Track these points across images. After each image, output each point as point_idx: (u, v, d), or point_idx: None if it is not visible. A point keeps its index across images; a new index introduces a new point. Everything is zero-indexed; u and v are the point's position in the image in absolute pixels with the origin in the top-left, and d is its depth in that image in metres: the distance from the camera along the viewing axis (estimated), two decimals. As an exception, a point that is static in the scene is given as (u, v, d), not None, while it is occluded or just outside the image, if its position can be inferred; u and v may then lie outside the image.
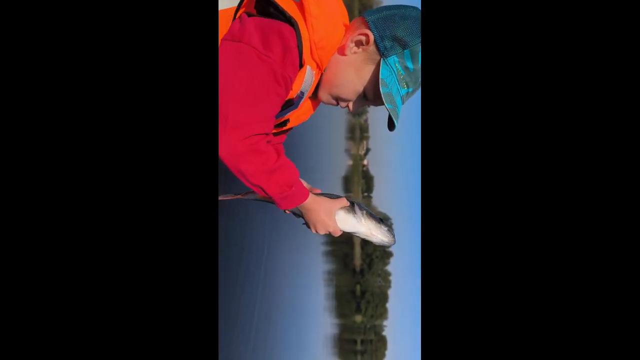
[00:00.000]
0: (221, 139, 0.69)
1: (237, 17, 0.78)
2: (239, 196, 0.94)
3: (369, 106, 0.87)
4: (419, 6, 0.73)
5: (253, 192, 0.80)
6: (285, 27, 0.72)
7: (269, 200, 0.82)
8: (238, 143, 0.69)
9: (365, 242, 0.90)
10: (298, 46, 0.73)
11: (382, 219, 0.86)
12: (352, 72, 0.81)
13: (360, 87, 0.82)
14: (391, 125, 0.83)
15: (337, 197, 0.88)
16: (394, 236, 0.86)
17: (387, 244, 0.86)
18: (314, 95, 0.86)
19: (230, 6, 0.81)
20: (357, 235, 0.86)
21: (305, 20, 0.74)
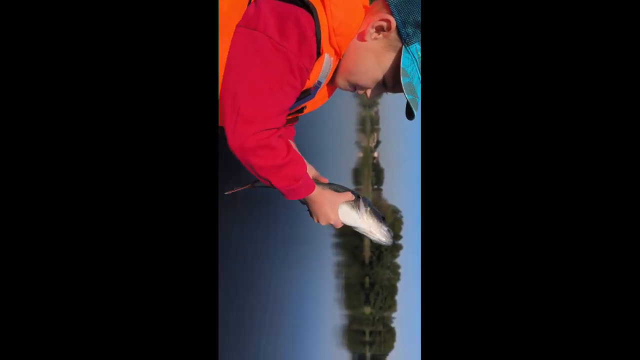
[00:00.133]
0: (232, 132, 0.69)
1: (252, 1, 0.75)
2: (247, 186, 0.95)
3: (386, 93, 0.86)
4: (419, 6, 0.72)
5: (259, 181, 0.81)
6: (303, 14, 0.70)
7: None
8: (249, 138, 0.69)
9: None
10: (316, 34, 0.71)
11: (384, 217, 0.88)
12: (371, 59, 0.78)
13: (379, 75, 0.79)
14: (410, 115, 0.81)
15: (345, 188, 0.90)
16: (392, 237, 0.88)
17: (384, 243, 0.88)
18: (331, 81, 0.84)
19: None
20: (357, 230, 0.88)
21: (323, 6, 0.72)
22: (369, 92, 0.84)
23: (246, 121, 0.69)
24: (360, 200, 0.87)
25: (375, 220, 0.87)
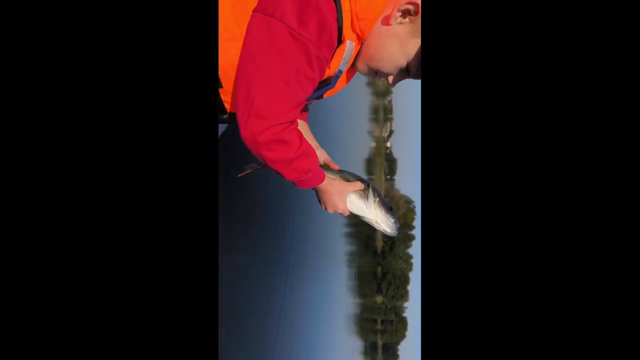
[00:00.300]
0: (244, 125, 0.67)
1: None
2: (259, 167, 0.95)
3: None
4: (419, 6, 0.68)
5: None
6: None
7: None
8: (262, 133, 0.67)
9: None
10: (337, 20, 0.66)
11: (391, 208, 0.88)
12: (395, 45, 0.73)
13: (403, 62, 0.74)
14: None
15: (355, 176, 0.89)
16: (398, 229, 0.88)
17: (389, 234, 0.88)
18: (351, 66, 0.80)
19: None
20: (363, 219, 0.88)
21: None
22: (390, 78, 0.79)
23: (259, 116, 0.65)
24: (370, 190, 0.88)
25: (383, 211, 0.87)
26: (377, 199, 0.87)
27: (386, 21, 0.71)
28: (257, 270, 3.42)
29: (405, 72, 0.77)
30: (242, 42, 0.67)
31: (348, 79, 0.84)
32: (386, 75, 0.79)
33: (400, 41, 0.72)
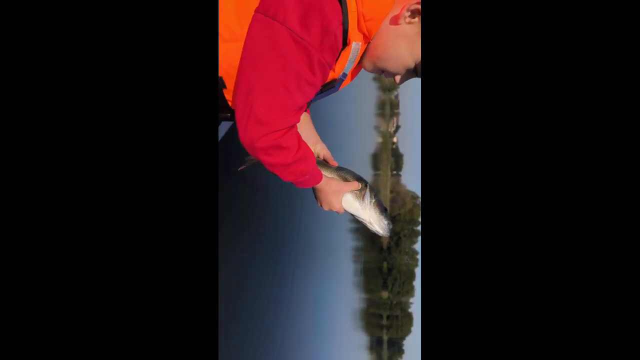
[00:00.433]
0: (243, 130, 0.66)
1: None
2: (258, 161, 0.96)
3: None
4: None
5: None
6: (329, 1, 0.63)
7: None
8: (260, 139, 0.66)
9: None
10: (343, 23, 0.64)
11: (386, 209, 0.89)
12: (403, 45, 0.70)
13: (411, 63, 0.73)
14: None
15: (353, 174, 0.89)
16: (390, 231, 0.89)
17: (381, 235, 0.89)
18: (357, 63, 0.78)
19: None
20: (358, 218, 0.89)
21: None
22: (398, 77, 0.78)
23: (258, 122, 0.64)
24: (367, 190, 0.88)
25: (377, 213, 0.88)
26: (373, 200, 0.87)
27: (395, 21, 0.69)
28: (264, 265, 3.43)
29: (412, 72, 0.76)
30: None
31: (353, 76, 0.82)
32: (393, 74, 0.77)
33: (408, 41, 0.70)
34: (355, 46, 0.69)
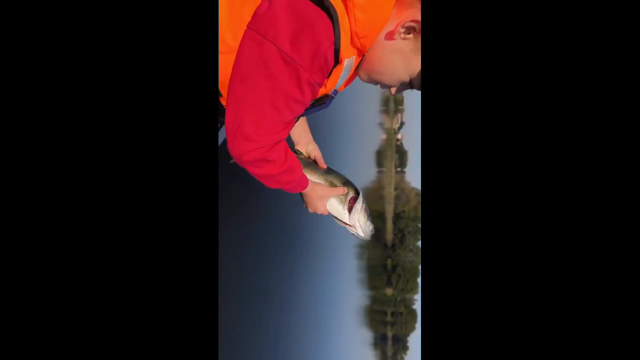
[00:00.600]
0: (232, 142, 0.68)
1: None
2: None
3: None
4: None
5: None
6: (320, 22, 0.62)
7: None
8: (247, 153, 0.68)
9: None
10: (335, 42, 0.64)
11: (371, 215, 0.92)
12: (398, 61, 0.70)
13: (405, 78, 0.72)
14: None
15: (341, 179, 0.92)
16: (369, 237, 0.92)
17: (361, 238, 0.92)
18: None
19: None
20: (339, 221, 0.93)
21: (346, 9, 0.64)
22: (393, 90, 0.78)
23: (246, 138, 0.66)
24: (359, 197, 0.91)
25: (365, 218, 0.90)
26: (361, 206, 0.90)
27: (390, 36, 0.68)
28: (268, 262, 3.45)
29: (407, 85, 0.76)
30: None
31: (347, 84, 0.82)
32: (388, 87, 0.77)
33: (403, 57, 0.70)
34: (348, 63, 0.70)
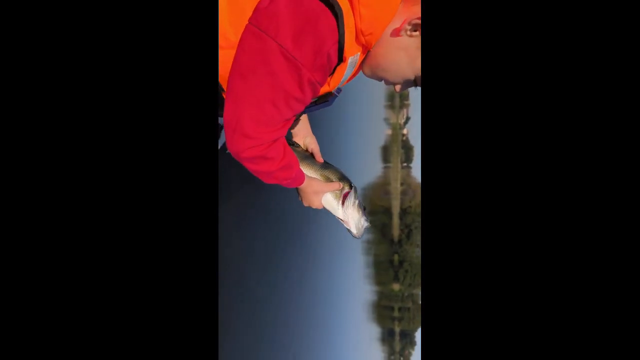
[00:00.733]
0: (230, 139, 0.67)
1: None
2: None
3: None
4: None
5: None
6: (324, 19, 0.60)
7: None
8: (245, 150, 0.67)
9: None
10: (339, 41, 0.62)
11: (365, 208, 0.92)
12: (403, 58, 0.69)
13: (410, 75, 0.71)
14: None
15: (338, 174, 0.91)
16: (364, 233, 0.93)
17: (353, 234, 0.93)
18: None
19: None
20: (335, 216, 0.93)
21: (352, 6, 0.62)
22: (397, 87, 0.76)
23: (245, 135, 0.65)
24: (351, 191, 0.91)
25: (358, 213, 0.90)
26: (355, 201, 0.90)
27: (396, 33, 0.67)
28: (275, 258, 3.46)
29: (412, 82, 0.74)
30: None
31: (351, 78, 0.80)
32: (392, 84, 0.76)
33: (409, 54, 0.69)
34: (352, 60, 0.68)
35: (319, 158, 0.95)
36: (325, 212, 0.98)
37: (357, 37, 0.66)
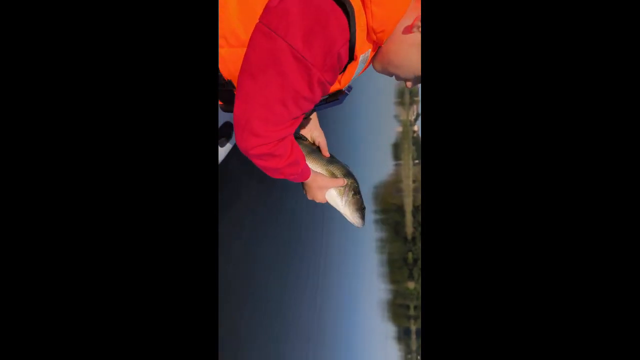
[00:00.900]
0: (239, 136, 0.68)
1: None
2: None
3: None
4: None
5: None
6: (335, 18, 0.59)
7: None
8: (254, 148, 0.68)
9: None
10: (350, 40, 0.62)
11: (364, 207, 0.97)
12: (415, 54, 0.68)
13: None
14: None
15: (343, 171, 0.94)
16: (362, 225, 0.98)
17: (355, 225, 0.98)
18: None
19: None
20: (337, 209, 0.98)
21: (363, 5, 0.62)
22: (409, 83, 0.76)
23: (254, 134, 0.67)
24: (351, 190, 0.94)
25: (347, 210, 0.94)
26: (355, 197, 0.94)
27: (408, 30, 0.67)
28: (290, 258, 3.47)
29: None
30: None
31: (360, 72, 0.80)
32: (404, 80, 0.76)
33: (420, 51, 0.67)
34: (363, 57, 0.68)
35: (326, 152, 0.96)
36: (336, 212, 1.00)
37: (368, 35, 0.65)
